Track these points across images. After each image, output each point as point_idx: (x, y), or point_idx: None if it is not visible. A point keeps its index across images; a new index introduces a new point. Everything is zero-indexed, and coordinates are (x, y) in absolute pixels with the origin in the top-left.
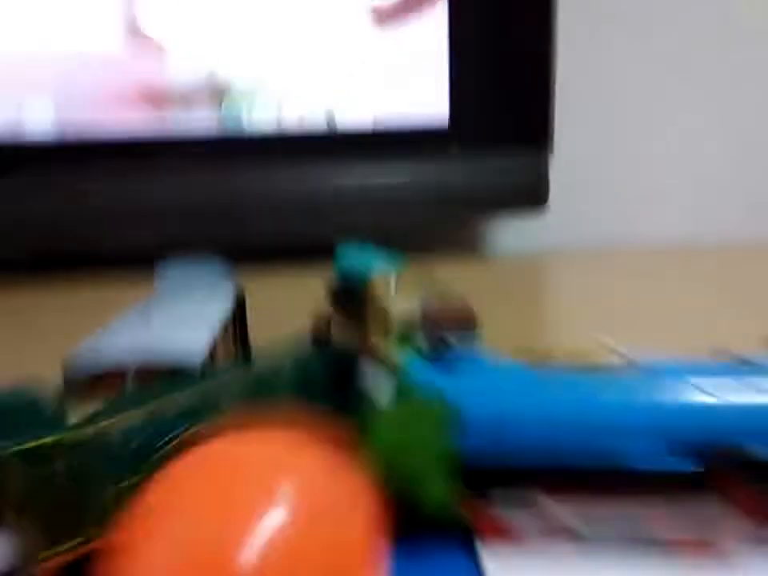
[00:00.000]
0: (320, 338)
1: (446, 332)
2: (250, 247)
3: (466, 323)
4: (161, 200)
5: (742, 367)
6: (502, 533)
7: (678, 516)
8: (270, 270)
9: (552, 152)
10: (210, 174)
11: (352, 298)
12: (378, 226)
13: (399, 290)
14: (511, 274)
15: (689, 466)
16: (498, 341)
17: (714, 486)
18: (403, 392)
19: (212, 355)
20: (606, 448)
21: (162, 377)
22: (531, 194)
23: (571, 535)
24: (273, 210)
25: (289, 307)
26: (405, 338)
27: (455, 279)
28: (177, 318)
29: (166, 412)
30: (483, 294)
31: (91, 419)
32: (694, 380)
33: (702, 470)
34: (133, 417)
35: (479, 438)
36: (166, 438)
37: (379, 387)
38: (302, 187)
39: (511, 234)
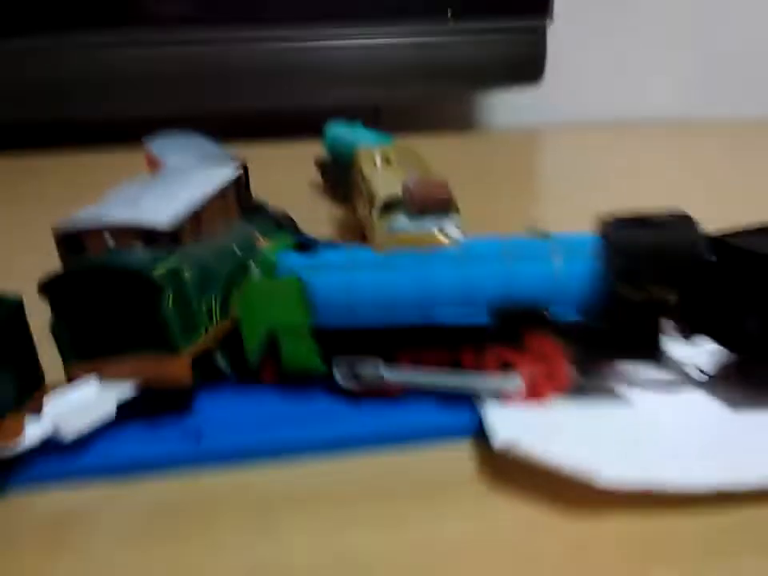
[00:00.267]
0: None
1: (425, 210)
2: (237, 120)
3: (444, 203)
4: (143, 67)
5: (545, 241)
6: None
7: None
8: (259, 143)
9: (551, 20)
10: (195, 42)
11: (339, 170)
12: (371, 99)
13: (384, 165)
14: (506, 150)
15: (488, 321)
16: (491, 215)
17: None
18: (266, 271)
19: (198, 218)
20: (425, 309)
21: (139, 239)
22: (527, 67)
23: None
24: (260, 82)
25: (280, 179)
26: (387, 212)
27: (449, 155)
28: (165, 187)
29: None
30: (477, 170)
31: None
32: (503, 253)
33: (498, 324)
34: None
35: (325, 306)
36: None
37: (255, 268)
38: (292, 58)
39: (507, 108)
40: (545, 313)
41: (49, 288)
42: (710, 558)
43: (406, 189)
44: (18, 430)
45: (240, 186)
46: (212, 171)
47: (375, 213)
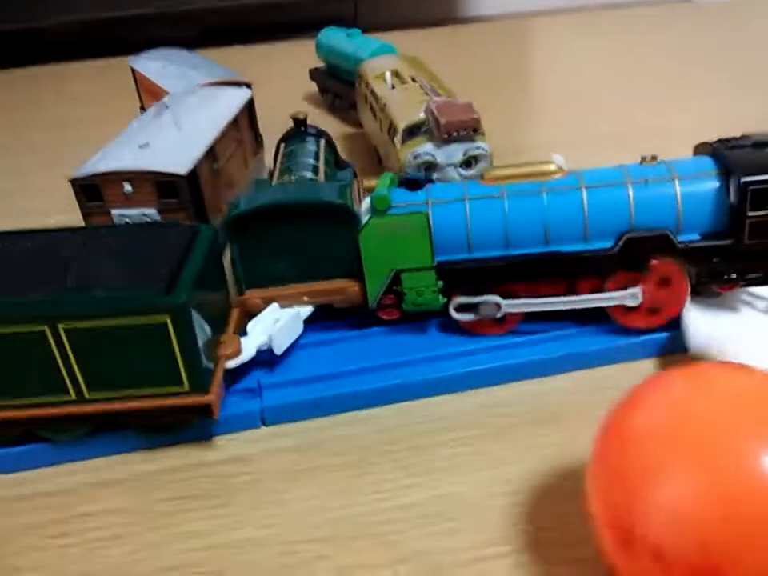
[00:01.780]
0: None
1: (452, 136)
2: (210, 20)
3: (471, 128)
4: None
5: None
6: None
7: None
8: (238, 47)
9: None
10: None
11: (340, 84)
12: None
13: (396, 83)
14: (494, 38)
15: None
16: (488, 110)
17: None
18: (380, 209)
19: (213, 153)
20: (546, 239)
21: (156, 185)
22: None
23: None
24: None
25: (272, 92)
26: (410, 138)
27: (437, 45)
28: (176, 125)
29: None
30: (466, 60)
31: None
32: (616, 181)
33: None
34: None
35: (446, 241)
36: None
37: (365, 206)
38: None
39: None
40: (668, 236)
41: (235, 224)
42: None
43: (430, 114)
44: (237, 346)
45: (250, 105)
46: (220, 95)
47: (398, 140)
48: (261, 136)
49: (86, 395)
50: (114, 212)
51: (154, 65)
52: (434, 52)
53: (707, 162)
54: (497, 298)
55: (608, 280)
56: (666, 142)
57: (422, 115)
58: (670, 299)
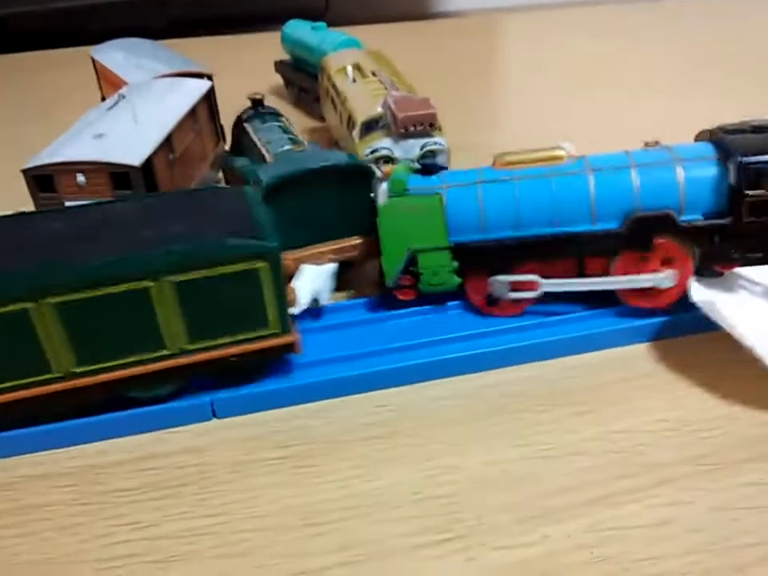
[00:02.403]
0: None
1: (409, 131)
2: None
3: (428, 123)
4: None
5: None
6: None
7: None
8: (206, 38)
9: None
10: None
11: (304, 77)
12: None
13: (358, 76)
14: (465, 33)
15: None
16: (454, 107)
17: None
18: (397, 192)
19: (170, 143)
20: (556, 220)
21: (110, 176)
22: None
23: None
24: None
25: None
26: (368, 132)
27: (408, 39)
28: (132, 114)
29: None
30: (436, 57)
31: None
32: (628, 163)
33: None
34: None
35: (461, 223)
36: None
37: (382, 190)
38: None
39: None
40: (671, 216)
41: (268, 193)
42: None
43: (387, 109)
44: (293, 295)
45: (210, 96)
46: (179, 86)
47: (356, 134)
48: (222, 127)
49: (183, 347)
50: (68, 203)
51: (116, 55)
52: (404, 46)
53: (707, 147)
54: (536, 278)
55: (615, 259)
56: (635, 139)
57: (379, 110)
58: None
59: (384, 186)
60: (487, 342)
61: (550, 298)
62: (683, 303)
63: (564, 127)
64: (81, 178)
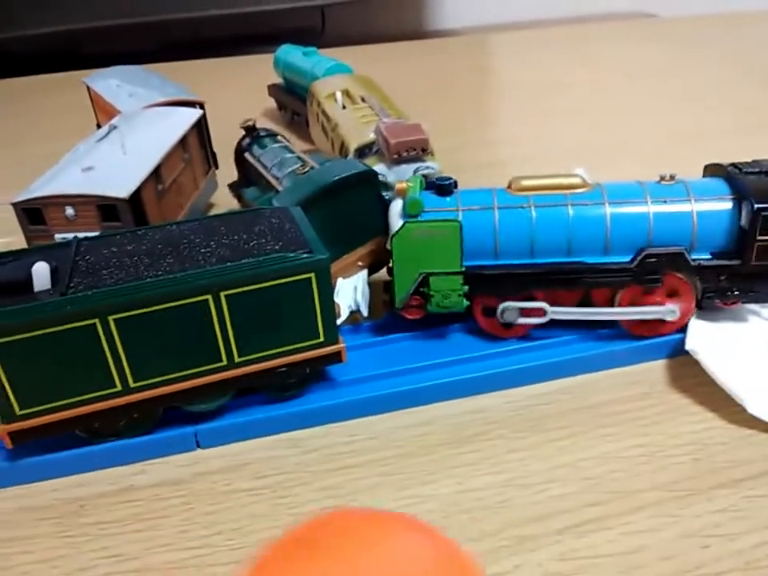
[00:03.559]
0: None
1: (402, 156)
2: (177, 33)
3: (419, 149)
4: None
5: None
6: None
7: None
8: (203, 60)
9: None
10: None
11: (297, 101)
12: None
13: (347, 102)
14: (458, 54)
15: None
16: (450, 127)
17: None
18: (413, 213)
19: (158, 173)
20: (566, 249)
21: (99, 208)
22: None
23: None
24: None
25: (230, 104)
26: (360, 159)
27: (402, 63)
28: (122, 146)
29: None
30: (429, 76)
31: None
32: (644, 197)
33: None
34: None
35: (475, 247)
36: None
37: (397, 210)
38: None
39: (455, 9)
40: (684, 254)
41: (302, 208)
42: None
43: (379, 135)
44: (338, 307)
45: (201, 125)
46: (170, 116)
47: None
48: (214, 154)
49: (236, 360)
50: (57, 235)
51: (109, 83)
52: (399, 66)
53: (721, 184)
54: (544, 305)
55: (620, 291)
56: (622, 157)
57: (371, 136)
58: (679, 311)
59: (398, 205)
60: (478, 366)
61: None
62: None
63: (561, 144)
64: (70, 210)
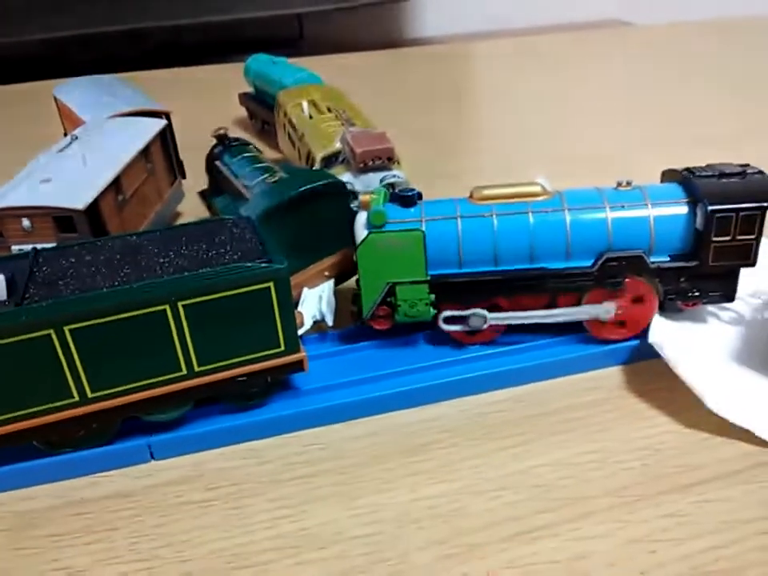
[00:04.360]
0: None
1: (368, 165)
2: (153, 41)
3: (385, 158)
4: None
5: (631, 191)
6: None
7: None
8: (177, 68)
9: None
10: None
11: (266, 110)
12: (293, 9)
13: (313, 112)
14: (435, 63)
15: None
16: (420, 135)
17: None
18: (377, 224)
19: (119, 184)
20: (531, 256)
21: (55, 220)
22: None
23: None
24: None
25: (202, 114)
26: (328, 167)
27: (378, 68)
28: (82, 156)
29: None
30: (407, 83)
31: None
32: (602, 203)
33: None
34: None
35: (439, 256)
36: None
37: (361, 221)
38: None
39: (435, 17)
40: (643, 258)
41: (267, 217)
42: None
43: (345, 144)
44: (301, 316)
45: (165, 134)
46: (133, 126)
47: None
48: (181, 163)
49: (196, 369)
50: (14, 247)
51: (76, 94)
52: (376, 75)
53: (677, 189)
54: (483, 312)
55: (585, 295)
56: (602, 167)
57: (337, 145)
58: (640, 314)
59: (362, 218)
60: (436, 374)
61: (518, 328)
62: None
63: (533, 155)
64: (26, 222)
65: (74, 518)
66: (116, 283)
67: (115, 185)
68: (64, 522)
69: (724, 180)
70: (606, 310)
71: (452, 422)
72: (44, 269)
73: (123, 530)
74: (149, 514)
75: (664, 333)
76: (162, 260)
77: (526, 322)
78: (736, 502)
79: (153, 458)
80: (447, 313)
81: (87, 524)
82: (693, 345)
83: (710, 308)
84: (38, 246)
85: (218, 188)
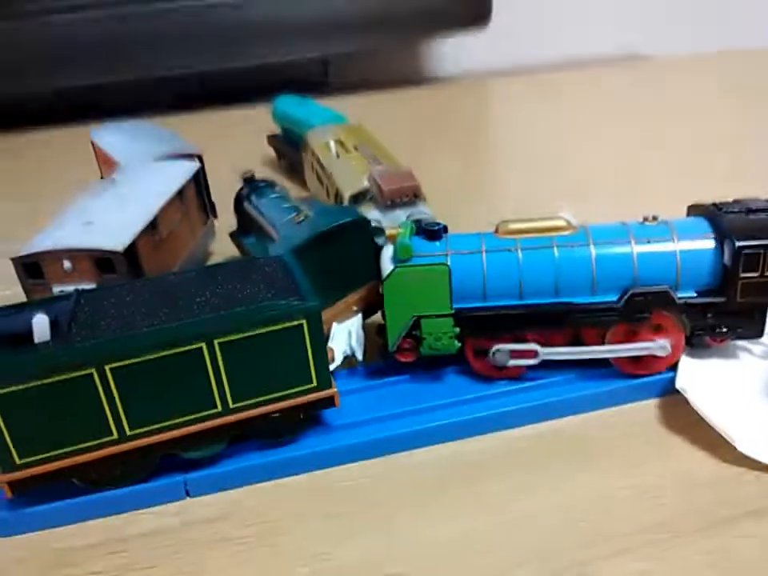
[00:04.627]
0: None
1: (395, 202)
2: (184, 86)
3: (412, 194)
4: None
5: (657, 225)
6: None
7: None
8: (208, 110)
9: None
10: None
11: (293, 150)
12: (318, 51)
13: (341, 151)
14: (455, 98)
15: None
16: (446, 171)
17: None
18: (403, 257)
19: (155, 225)
20: (554, 289)
21: (95, 261)
22: (473, 10)
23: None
24: (203, 42)
25: (232, 153)
26: (357, 205)
27: (401, 106)
28: (119, 199)
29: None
30: (429, 120)
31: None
32: (628, 237)
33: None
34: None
35: (464, 290)
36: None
37: (387, 255)
38: (237, 16)
39: (454, 56)
40: (669, 293)
41: (297, 254)
42: None
43: (373, 182)
44: (332, 352)
45: (199, 177)
46: (168, 168)
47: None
48: (213, 204)
49: (231, 405)
50: (56, 288)
51: (112, 138)
52: (399, 112)
53: (703, 224)
54: (536, 346)
55: (610, 330)
56: (625, 204)
57: (365, 183)
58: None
59: (389, 251)
60: (470, 408)
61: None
62: None
63: (556, 191)
64: (67, 264)
65: (113, 555)
66: (155, 323)
67: (152, 226)
68: (102, 560)
69: (752, 216)
70: (662, 346)
71: (483, 456)
72: (86, 309)
73: (160, 568)
74: (186, 551)
75: (690, 377)
76: (198, 299)
77: (580, 357)
78: None
79: (188, 495)
80: (500, 347)
81: (126, 562)
82: (721, 387)
83: (740, 344)
84: (80, 288)
85: (247, 228)
